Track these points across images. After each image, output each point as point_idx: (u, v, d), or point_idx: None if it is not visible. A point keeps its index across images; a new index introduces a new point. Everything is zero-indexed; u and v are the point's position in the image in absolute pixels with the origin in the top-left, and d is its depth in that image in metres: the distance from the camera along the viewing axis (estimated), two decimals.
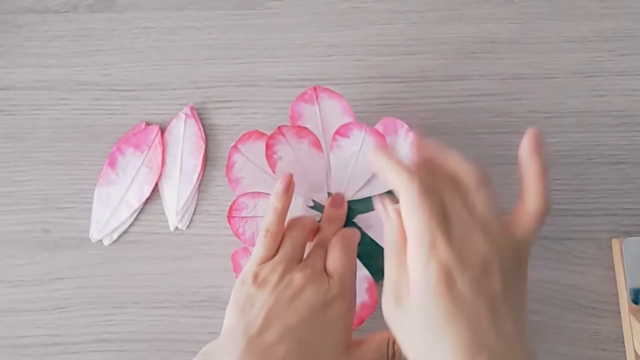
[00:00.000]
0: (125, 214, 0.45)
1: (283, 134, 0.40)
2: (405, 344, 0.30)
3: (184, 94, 0.48)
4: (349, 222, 0.43)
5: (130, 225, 0.45)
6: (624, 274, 0.41)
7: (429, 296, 0.28)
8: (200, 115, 0.47)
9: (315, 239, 0.38)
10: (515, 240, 0.30)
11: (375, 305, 0.41)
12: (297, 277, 0.33)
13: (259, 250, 0.35)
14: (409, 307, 0.29)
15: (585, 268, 0.43)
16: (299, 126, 0.41)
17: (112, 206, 0.45)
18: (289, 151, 0.41)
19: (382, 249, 0.40)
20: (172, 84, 0.48)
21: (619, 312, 0.42)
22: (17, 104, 0.48)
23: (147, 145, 0.46)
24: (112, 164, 0.46)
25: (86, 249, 0.45)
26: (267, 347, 0.30)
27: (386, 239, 0.33)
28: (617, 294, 0.43)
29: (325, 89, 0.43)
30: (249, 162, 0.42)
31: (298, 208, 0.43)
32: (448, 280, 0.28)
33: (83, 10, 0.50)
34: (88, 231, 0.45)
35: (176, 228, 0.45)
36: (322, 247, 0.37)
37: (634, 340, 0.40)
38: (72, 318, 0.44)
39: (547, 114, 0.46)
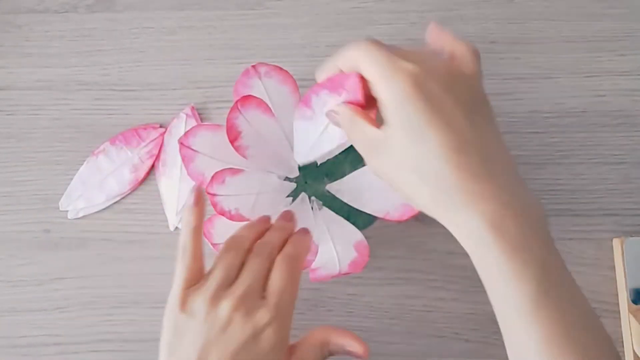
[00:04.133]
0: (100, 196, 0.45)
1: (238, 109, 0.40)
2: (403, 184, 0.32)
3: (184, 94, 0.48)
4: (322, 189, 0.43)
5: (130, 225, 0.45)
6: (625, 274, 0.41)
7: (404, 104, 0.29)
8: (200, 115, 0.47)
9: (255, 247, 0.36)
10: (466, 76, 0.32)
11: (366, 258, 0.41)
12: (224, 308, 0.32)
13: (180, 272, 0.34)
14: (390, 137, 0.31)
15: (585, 268, 0.43)
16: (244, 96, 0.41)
17: (90, 183, 0.46)
18: (246, 124, 0.40)
19: (355, 209, 0.41)
20: (172, 84, 0.48)
21: (619, 312, 0.42)
22: (17, 104, 0.48)
23: (149, 140, 0.46)
24: (114, 141, 0.47)
25: (87, 249, 0.45)
26: None
27: (343, 125, 0.34)
28: (617, 294, 0.43)
29: (265, 64, 0.43)
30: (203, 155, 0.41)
31: (273, 183, 0.43)
32: (418, 84, 0.29)
33: (83, 10, 0.50)
34: (88, 231, 0.45)
35: (176, 228, 0.45)
36: (261, 258, 0.35)
37: (633, 341, 0.41)
38: (72, 318, 0.44)
39: (547, 114, 0.46)
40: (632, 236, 0.42)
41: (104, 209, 0.46)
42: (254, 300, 0.33)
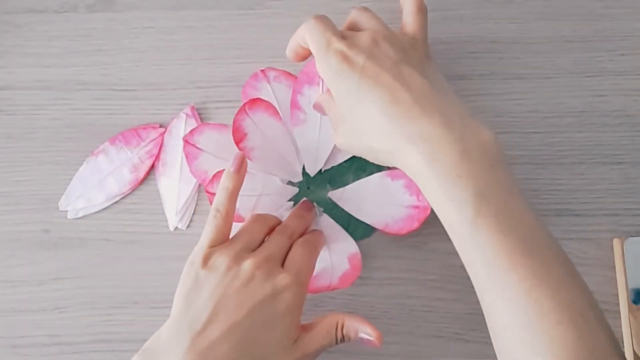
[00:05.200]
0: (99, 196, 0.45)
1: (245, 112, 0.40)
2: (361, 148, 0.36)
3: (183, 93, 0.48)
4: (324, 196, 0.43)
5: (130, 225, 0.45)
6: (625, 274, 0.41)
7: (336, 77, 0.34)
8: (200, 115, 0.47)
9: (278, 227, 0.38)
10: (406, 35, 0.37)
11: (358, 272, 0.41)
12: (247, 265, 0.33)
13: (209, 231, 0.35)
14: (338, 108, 0.35)
15: (585, 268, 0.43)
16: (252, 99, 0.41)
17: (89, 183, 0.46)
18: (253, 126, 0.41)
19: (355, 218, 0.42)
20: (171, 83, 0.48)
21: (619, 313, 0.42)
22: (17, 103, 0.48)
23: (149, 140, 0.46)
24: (113, 141, 0.46)
25: (86, 249, 0.45)
26: (210, 344, 0.31)
27: (326, 111, 0.38)
28: (617, 294, 0.43)
29: (273, 69, 0.45)
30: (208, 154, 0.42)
31: (276, 186, 0.43)
32: (346, 59, 0.34)
33: (83, 10, 0.50)
34: (88, 231, 0.45)
35: (176, 228, 0.45)
36: (283, 236, 0.37)
37: (634, 341, 0.40)
38: (71, 318, 0.44)
39: (547, 114, 0.46)
40: (632, 236, 0.42)
41: (103, 209, 0.46)
42: (275, 265, 0.34)
